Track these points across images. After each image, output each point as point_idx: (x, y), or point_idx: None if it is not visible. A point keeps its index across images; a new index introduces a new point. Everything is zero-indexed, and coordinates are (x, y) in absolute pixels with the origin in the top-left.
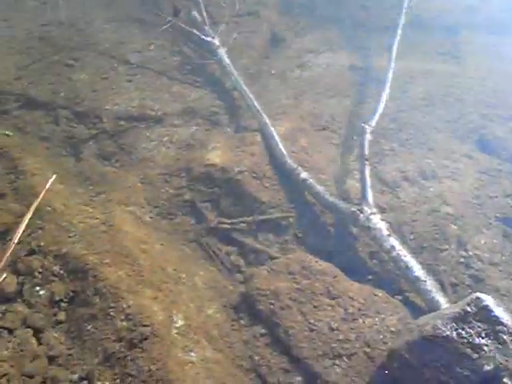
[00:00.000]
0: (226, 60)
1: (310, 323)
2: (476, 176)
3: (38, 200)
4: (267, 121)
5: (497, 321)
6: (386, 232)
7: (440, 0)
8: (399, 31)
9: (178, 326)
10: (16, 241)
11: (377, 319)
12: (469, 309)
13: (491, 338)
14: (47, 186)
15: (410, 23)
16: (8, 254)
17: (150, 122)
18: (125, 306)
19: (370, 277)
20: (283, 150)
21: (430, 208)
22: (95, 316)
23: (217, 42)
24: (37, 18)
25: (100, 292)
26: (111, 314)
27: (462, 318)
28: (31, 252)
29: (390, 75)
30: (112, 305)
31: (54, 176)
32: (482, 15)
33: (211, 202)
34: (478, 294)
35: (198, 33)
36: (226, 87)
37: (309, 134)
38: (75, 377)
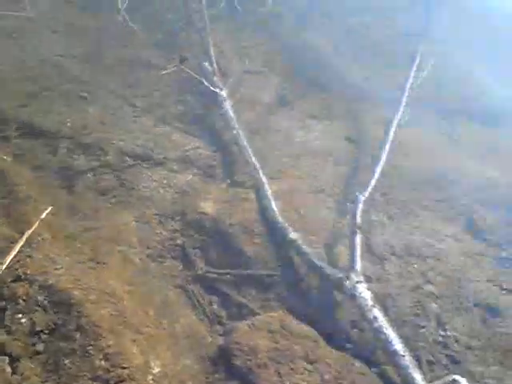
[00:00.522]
0: (231, 113)
1: None
2: (460, 258)
3: (32, 229)
4: (263, 179)
5: None
6: (370, 302)
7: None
8: (401, 110)
9: (154, 372)
10: (4, 267)
11: None
12: None
13: None
14: (42, 216)
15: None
16: None
17: (152, 164)
18: (104, 345)
19: (349, 345)
20: (275, 208)
21: (414, 284)
22: (74, 352)
23: (224, 93)
24: (52, 47)
25: (81, 328)
26: (90, 351)
27: None
28: (17, 278)
29: (386, 151)
30: (92, 342)
31: (50, 207)
32: (479, 104)
33: (201, 250)
34: (455, 377)
35: (206, 83)
36: (225, 140)
37: (304, 196)
38: None
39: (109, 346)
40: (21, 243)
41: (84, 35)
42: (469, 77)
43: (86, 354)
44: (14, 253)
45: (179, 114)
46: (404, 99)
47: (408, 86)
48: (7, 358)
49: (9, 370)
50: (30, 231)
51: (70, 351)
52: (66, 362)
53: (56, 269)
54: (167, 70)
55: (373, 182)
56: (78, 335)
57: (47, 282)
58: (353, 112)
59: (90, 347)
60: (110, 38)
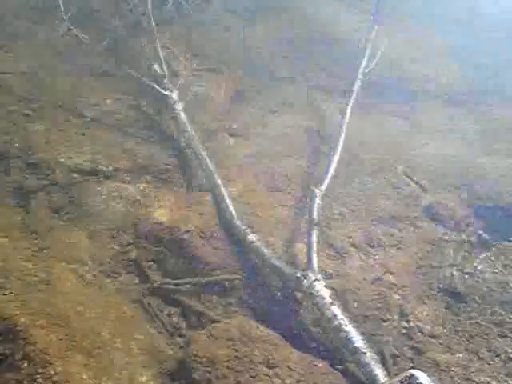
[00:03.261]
0: (182, 115)
1: None
2: (420, 245)
3: None
4: (219, 181)
5: None
6: (328, 300)
7: (399, 69)
8: (353, 96)
9: None
10: None
11: None
12: None
13: None
14: None
15: (368, 86)
16: None
17: (101, 177)
18: (52, 372)
19: (313, 345)
20: (233, 210)
21: (375, 276)
22: (22, 382)
23: (175, 96)
24: None
25: (28, 356)
26: (38, 380)
27: None
28: None
29: (342, 139)
30: (40, 371)
31: None
32: (437, 83)
33: (156, 262)
34: (413, 371)
35: (157, 86)
36: (180, 144)
37: (262, 195)
38: None
39: (56, 374)
40: None
41: (30, 48)
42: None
43: None
44: None
45: (132, 121)
46: (356, 86)
47: (360, 71)
48: None
49: None
50: None
51: (17, 382)
52: None
53: (4, 294)
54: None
55: (329, 175)
56: (25, 364)
57: None
58: (313, 103)
59: (38, 376)
60: (57, 50)
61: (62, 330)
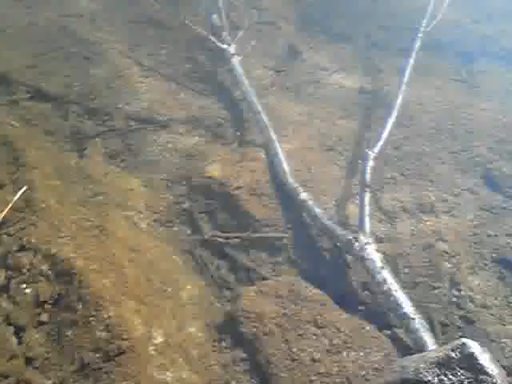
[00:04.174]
0: (239, 69)
1: (292, 352)
2: (476, 212)
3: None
4: (274, 137)
5: (481, 370)
6: (379, 264)
7: (458, 28)
8: (413, 56)
9: (156, 342)
10: None
11: (361, 354)
12: (453, 355)
13: None
14: (16, 198)
15: (426, 47)
16: None
17: (157, 126)
18: (105, 316)
19: (360, 308)
20: (286, 168)
21: (426, 243)
22: (76, 323)
23: (232, 49)
24: (59, 8)
25: (83, 299)
26: (92, 322)
27: (445, 364)
28: (22, 248)
29: (399, 101)
30: (93, 313)
31: (25, 187)
32: (499, 46)
33: (208, 214)
34: (464, 340)
35: (214, 38)
36: (235, 98)
37: (315, 154)
38: (49, 383)
39: (109, 317)
40: None
41: None
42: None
43: (88, 326)
44: None
45: (187, 72)
46: (416, 46)
47: (421, 31)
48: (12, 327)
49: (14, 339)
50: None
51: (72, 322)
52: (69, 333)
53: (60, 237)
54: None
55: (384, 137)
56: (79, 306)
57: (50, 252)
58: (367, 62)
59: (92, 318)
60: None
61: (116, 276)
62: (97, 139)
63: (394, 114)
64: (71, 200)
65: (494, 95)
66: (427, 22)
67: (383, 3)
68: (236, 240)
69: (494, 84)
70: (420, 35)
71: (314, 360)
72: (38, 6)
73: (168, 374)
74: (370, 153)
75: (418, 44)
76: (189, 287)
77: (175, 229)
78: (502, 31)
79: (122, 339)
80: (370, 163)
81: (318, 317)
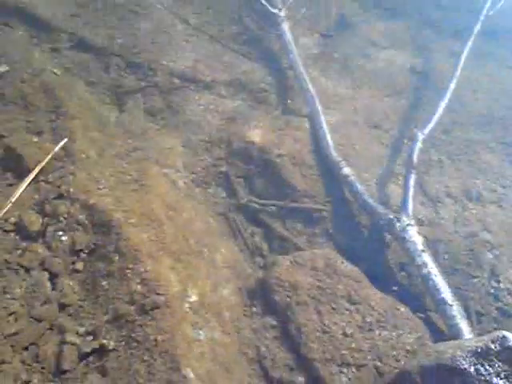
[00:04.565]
0: (288, 36)
1: (324, 324)
2: None
3: (44, 162)
4: (319, 108)
5: None
6: (420, 247)
7: None
8: (472, 39)
9: (191, 300)
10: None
11: (394, 334)
12: (492, 346)
13: (510, 380)
14: (57, 148)
15: (483, 32)
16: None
17: (200, 86)
18: (142, 270)
19: (395, 288)
20: (330, 140)
21: (469, 231)
22: (112, 274)
23: (282, 14)
24: None
25: (120, 251)
26: (128, 275)
27: (483, 354)
28: (59, 196)
29: (453, 85)
30: (130, 266)
31: (66, 139)
32: None
33: (245, 179)
34: (505, 333)
35: (263, 1)
36: (280, 65)
37: (359, 129)
38: (82, 330)
39: (146, 272)
40: (26, 182)
41: None
42: None
43: (124, 278)
44: (20, 190)
45: (233, 34)
46: (476, 29)
47: (482, 14)
48: (47, 273)
49: (48, 285)
50: (33, 174)
51: (108, 273)
52: (104, 283)
53: (99, 188)
54: None
55: (435, 119)
56: (116, 257)
57: (89, 202)
58: (420, 41)
59: (128, 271)
60: None
61: (154, 231)
62: (138, 94)
63: (447, 97)
64: (110, 153)
65: None
66: (490, 6)
67: None
68: (272, 208)
69: None
70: (481, 18)
71: (345, 335)
72: None
73: (201, 332)
74: (419, 133)
75: (477, 28)
76: (223, 250)
77: (211, 191)
78: None
79: (158, 294)
80: (419, 144)
81: (353, 293)
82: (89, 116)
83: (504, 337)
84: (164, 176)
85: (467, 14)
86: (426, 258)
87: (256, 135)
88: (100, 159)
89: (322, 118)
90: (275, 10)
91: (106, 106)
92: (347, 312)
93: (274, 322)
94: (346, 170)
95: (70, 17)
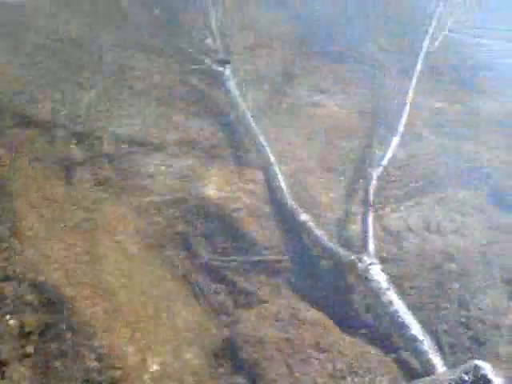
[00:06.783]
0: (234, 92)
1: (295, 377)
2: (485, 232)
3: None
4: (272, 158)
5: None
6: (385, 285)
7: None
8: (415, 77)
9: (151, 371)
10: None
11: (367, 379)
12: (466, 377)
13: None
14: None
15: (427, 67)
16: None
17: (150, 149)
18: (97, 344)
19: (363, 331)
20: (285, 189)
21: (433, 263)
22: (65, 353)
23: (227, 71)
24: (47, 30)
25: (73, 327)
26: (82, 352)
27: None
28: (6, 278)
29: (403, 120)
30: (84, 342)
31: None
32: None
33: (204, 237)
34: (477, 362)
35: (208, 61)
36: (230, 120)
37: (314, 175)
38: None
39: (102, 346)
40: None
41: (80, 17)
42: None
43: (78, 355)
44: None
45: (181, 94)
46: (418, 67)
47: (422, 52)
48: None
49: None
50: None
51: (61, 352)
52: (57, 364)
53: (48, 264)
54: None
55: (388, 156)
56: (69, 335)
57: (38, 280)
58: (367, 82)
59: (82, 347)
60: (106, 20)
61: (107, 303)
62: (86, 164)
63: (399, 133)
64: (60, 227)
65: (494, 114)
66: (428, 44)
67: (383, 23)
68: (234, 263)
69: (495, 104)
70: (421, 56)
71: None
72: (24, 33)
73: None
74: (373, 172)
75: (419, 66)
76: (184, 313)
77: (169, 253)
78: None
79: (115, 368)
80: (374, 182)
81: (321, 340)
82: (36, 192)
83: (477, 366)
84: (116, 244)
85: (410, 54)
86: (392, 295)
87: (211, 191)
88: (49, 234)
89: (276, 167)
90: (219, 68)
91: (53, 180)
92: (317, 361)
93: (243, 381)
94: (303, 217)
95: (14, 95)
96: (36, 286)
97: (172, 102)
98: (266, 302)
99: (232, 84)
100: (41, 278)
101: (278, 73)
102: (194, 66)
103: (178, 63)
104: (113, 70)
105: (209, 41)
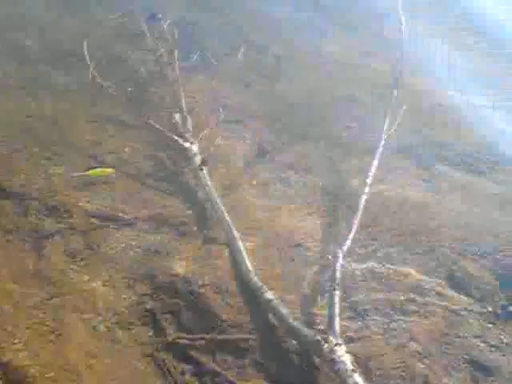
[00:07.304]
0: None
1: None
2: (445, 314)
3: None
4: (236, 235)
5: None
6: (350, 366)
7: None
8: (377, 157)
9: None
10: None
11: None
12: None
13: None
14: None
15: (389, 149)
16: None
17: (120, 224)
18: None
19: None
20: (249, 266)
21: (398, 342)
22: None
23: (195, 148)
24: (20, 107)
25: None
26: None
27: None
28: None
29: (363, 202)
30: None
31: None
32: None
33: (172, 314)
34: None
35: (176, 138)
36: (198, 197)
37: (280, 251)
38: None
39: None
40: None
41: (52, 94)
42: None
43: None
44: None
45: (151, 171)
46: (381, 146)
47: (384, 131)
48: None
49: None
50: None
51: None
52: None
53: (14, 343)
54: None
55: (351, 235)
56: None
57: (2, 360)
58: (330, 162)
59: None
60: (78, 97)
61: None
62: (56, 237)
63: (359, 215)
64: (27, 303)
65: (455, 198)
66: (388, 127)
67: (348, 107)
68: (202, 342)
69: (455, 188)
70: (384, 138)
71: None
72: None
73: None
74: (339, 250)
75: (380, 148)
76: None
77: (137, 331)
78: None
79: None
80: (340, 261)
81: None
82: (5, 267)
83: None
84: (83, 322)
85: (373, 133)
86: (357, 377)
87: (180, 267)
88: (15, 312)
89: (240, 244)
90: (187, 145)
91: (23, 253)
92: None
93: None
94: (269, 295)
95: None
96: (1, 366)
97: (141, 178)
98: (233, 383)
99: (198, 161)
100: (5, 358)
101: (248, 149)
102: (162, 142)
103: (148, 139)
104: (83, 144)
105: (177, 117)
